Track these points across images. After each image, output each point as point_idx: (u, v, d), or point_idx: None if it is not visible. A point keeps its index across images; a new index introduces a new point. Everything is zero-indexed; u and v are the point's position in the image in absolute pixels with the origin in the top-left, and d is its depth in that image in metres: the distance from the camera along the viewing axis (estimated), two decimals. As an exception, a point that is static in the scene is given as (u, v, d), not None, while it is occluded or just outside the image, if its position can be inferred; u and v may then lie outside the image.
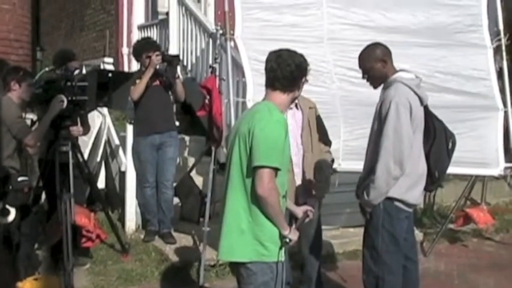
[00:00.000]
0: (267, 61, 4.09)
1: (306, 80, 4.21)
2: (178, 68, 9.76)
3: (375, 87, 4.99)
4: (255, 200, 3.88)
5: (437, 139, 5.01)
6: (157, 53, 7.29)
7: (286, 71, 4.00)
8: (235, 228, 3.96)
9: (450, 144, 5.09)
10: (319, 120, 5.81)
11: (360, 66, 5.01)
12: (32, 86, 6.03)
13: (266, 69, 4.09)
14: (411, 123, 4.67)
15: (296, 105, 5.66)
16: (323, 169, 4.66)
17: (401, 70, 4.91)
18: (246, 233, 3.93)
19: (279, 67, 4.00)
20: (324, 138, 5.81)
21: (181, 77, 9.11)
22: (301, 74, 4.08)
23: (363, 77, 5.02)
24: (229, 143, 4.17)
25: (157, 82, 7.39)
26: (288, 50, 4.10)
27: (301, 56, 4.10)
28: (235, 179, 3.98)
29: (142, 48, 7.45)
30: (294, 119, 5.65)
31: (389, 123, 4.64)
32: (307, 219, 4.40)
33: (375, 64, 4.90)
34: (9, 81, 5.97)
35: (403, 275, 5.00)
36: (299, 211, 4.37)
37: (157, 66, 7.30)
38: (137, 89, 7.21)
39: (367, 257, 4.96)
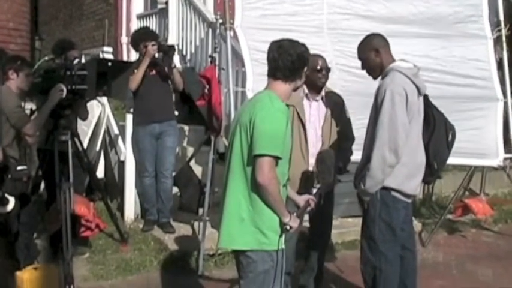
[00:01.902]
0: (269, 51, 4.08)
1: (307, 70, 4.20)
2: (178, 58, 9.81)
3: (374, 77, 4.99)
4: (256, 188, 3.88)
5: (437, 130, 5.01)
6: (153, 42, 7.27)
7: (288, 61, 3.99)
8: (235, 216, 3.97)
9: (450, 136, 5.09)
10: (344, 115, 5.77)
11: (358, 56, 5.03)
12: (30, 75, 6.00)
13: (268, 59, 4.09)
14: (407, 112, 4.66)
15: (322, 98, 5.64)
16: (325, 160, 4.64)
17: (400, 60, 4.90)
18: (246, 221, 3.94)
19: (280, 57, 4.00)
20: (346, 132, 5.78)
21: (179, 66, 9.12)
22: (302, 63, 4.07)
23: (362, 68, 5.03)
24: (230, 132, 4.17)
25: (155, 72, 7.39)
26: (289, 40, 4.09)
27: (303, 45, 4.09)
28: (236, 167, 3.99)
29: (140, 38, 7.44)
30: (318, 111, 5.63)
31: (384, 111, 4.64)
32: (308, 208, 4.41)
33: (368, 54, 4.92)
34: (7, 71, 5.95)
35: (401, 265, 5.01)
36: (300, 200, 4.37)
37: (156, 56, 7.30)
38: (134, 79, 7.21)
39: (364, 247, 4.97)
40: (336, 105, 5.68)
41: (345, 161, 5.68)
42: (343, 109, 5.76)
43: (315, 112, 5.61)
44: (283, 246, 4.01)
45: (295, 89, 4.18)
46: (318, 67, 5.48)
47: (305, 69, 4.12)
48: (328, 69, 5.60)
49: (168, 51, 7.36)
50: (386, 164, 4.64)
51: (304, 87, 5.53)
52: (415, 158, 4.83)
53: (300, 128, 5.46)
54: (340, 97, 5.81)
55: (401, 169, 4.71)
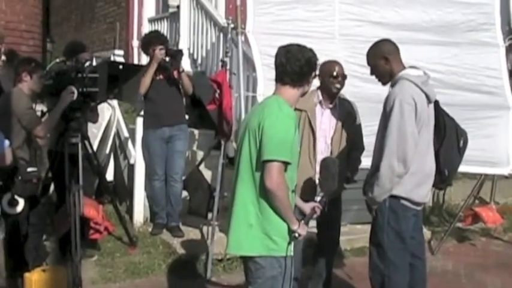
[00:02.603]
0: (277, 56, 4.08)
1: (316, 75, 4.19)
2: (189, 62, 9.82)
3: (383, 83, 4.98)
4: (264, 194, 3.87)
5: (448, 137, 4.99)
6: (161, 47, 7.29)
7: (296, 66, 3.98)
8: (243, 222, 3.96)
9: (461, 143, 5.07)
10: (355, 125, 5.76)
11: (367, 63, 5.02)
12: (43, 77, 6.02)
13: (275, 63, 4.08)
14: (416, 122, 4.64)
15: (336, 106, 5.63)
16: (329, 167, 4.62)
17: (410, 67, 4.88)
18: (255, 227, 3.92)
19: (289, 62, 3.99)
20: (356, 142, 5.77)
21: (189, 70, 9.13)
22: (310, 69, 4.06)
23: (371, 74, 5.01)
24: (239, 138, 4.17)
25: (163, 76, 7.40)
26: (297, 45, 4.09)
27: (311, 50, 4.08)
28: (244, 173, 3.98)
29: (149, 42, 7.46)
30: (329, 119, 5.62)
31: (393, 121, 4.62)
32: (314, 216, 4.40)
33: (378, 61, 4.90)
34: (20, 73, 5.97)
35: (410, 274, 4.99)
36: (306, 207, 4.36)
37: (167, 59, 7.31)
38: (143, 83, 7.22)
39: (373, 254, 4.96)
40: (348, 115, 5.66)
41: (353, 170, 5.67)
42: (356, 119, 5.74)
43: (327, 120, 5.61)
44: (292, 253, 4.00)
45: (303, 94, 4.17)
46: (335, 73, 5.47)
47: (313, 74, 4.10)
48: (344, 76, 5.57)
49: (175, 55, 7.36)
50: (394, 173, 4.63)
51: (319, 93, 5.52)
52: (423, 167, 4.81)
53: (309, 135, 5.46)
54: (353, 106, 5.79)
55: (410, 178, 4.69)
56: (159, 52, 7.26)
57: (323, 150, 5.56)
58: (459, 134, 5.07)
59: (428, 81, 4.83)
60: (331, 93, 5.56)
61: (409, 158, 4.59)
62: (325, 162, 4.69)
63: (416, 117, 4.64)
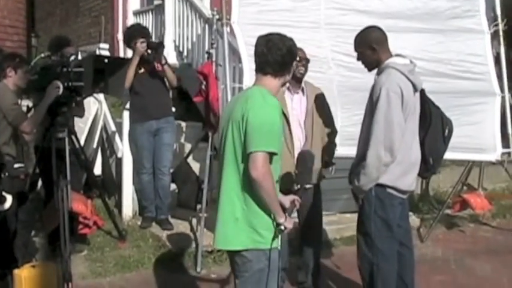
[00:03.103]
0: (257, 45, 4.00)
1: (296, 65, 4.15)
2: (174, 54, 9.79)
3: (369, 69, 4.98)
4: (249, 187, 3.81)
5: (433, 125, 5.00)
6: (142, 40, 7.25)
7: (278, 56, 3.91)
8: (229, 216, 3.90)
9: (447, 131, 5.08)
10: (325, 108, 5.79)
11: (354, 49, 5.01)
12: (28, 72, 5.99)
13: (256, 53, 4.00)
14: (403, 110, 4.64)
15: (302, 90, 5.70)
16: (306, 160, 4.58)
17: (396, 55, 4.88)
18: (241, 220, 3.86)
19: (270, 51, 3.92)
20: (328, 125, 5.81)
21: (175, 62, 9.10)
22: (291, 58, 4.01)
23: (358, 59, 5.01)
24: (221, 130, 4.09)
25: (147, 69, 7.37)
26: (278, 34, 4.01)
27: (291, 40, 4.02)
28: (228, 166, 3.92)
29: (130, 36, 7.44)
30: (299, 104, 5.68)
31: (379, 110, 4.62)
32: (294, 209, 4.35)
33: (365, 50, 4.90)
34: (5, 68, 5.93)
35: (398, 262, 5.00)
36: (286, 201, 4.21)
37: (149, 52, 7.28)
38: (127, 77, 7.19)
39: (361, 243, 4.96)
40: (316, 98, 5.74)
41: (330, 154, 5.76)
42: (324, 102, 5.79)
43: (297, 106, 5.67)
44: (279, 246, 3.94)
45: (283, 84, 4.10)
46: (298, 58, 5.48)
47: (294, 63, 4.06)
48: (307, 60, 5.67)
49: (157, 48, 7.32)
50: (381, 162, 4.63)
51: None
52: (409, 155, 4.82)
53: (284, 123, 5.45)
54: (319, 89, 5.85)
55: (396, 166, 4.70)
56: (141, 45, 7.22)
57: (299, 135, 5.61)
58: (444, 122, 5.08)
59: (415, 70, 4.83)
60: (297, 78, 5.60)
61: (396, 147, 4.59)
62: (301, 155, 4.65)
63: (403, 106, 4.64)
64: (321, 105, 5.74)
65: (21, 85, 6.00)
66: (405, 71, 4.71)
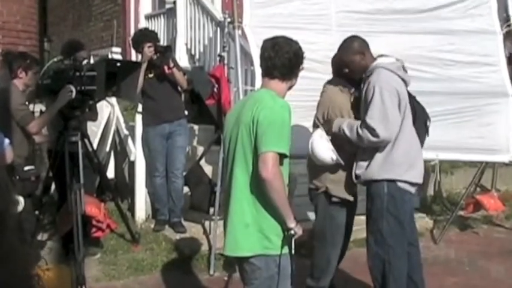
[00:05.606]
0: (263, 49, 3.99)
1: (302, 68, 4.14)
2: (186, 57, 9.81)
3: (357, 79, 5.06)
4: (260, 191, 3.78)
5: (418, 118, 5.13)
6: (149, 44, 7.28)
7: (285, 59, 3.91)
8: (239, 222, 3.87)
9: (428, 123, 5.25)
10: None
11: (340, 59, 5.09)
12: (38, 73, 6.04)
13: (262, 57, 3.99)
14: (401, 106, 4.77)
15: None
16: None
17: (379, 56, 4.96)
18: (251, 226, 3.83)
19: (277, 55, 3.91)
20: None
21: (187, 66, 9.11)
22: (298, 61, 4.00)
23: (343, 72, 5.07)
24: (228, 134, 4.04)
25: (156, 73, 7.39)
26: (284, 37, 4.01)
27: (297, 43, 4.02)
28: (238, 170, 3.89)
29: (138, 40, 7.48)
30: None
31: (374, 107, 4.67)
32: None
33: (354, 57, 5.01)
34: (15, 69, 5.98)
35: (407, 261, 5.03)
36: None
37: (157, 56, 7.30)
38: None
39: (371, 242, 5.00)
40: None
41: None
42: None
43: None
44: (287, 252, 3.91)
45: (290, 88, 4.09)
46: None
47: (300, 67, 4.04)
48: None
49: (164, 51, 7.36)
50: (374, 133, 4.71)
51: None
52: (411, 147, 4.93)
53: None
54: None
55: (400, 160, 4.83)
56: (148, 50, 7.26)
57: None
58: (426, 115, 5.24)
59: (401, 67, 4.94)
60: None
61: (390, 125, 4.67)
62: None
63: (401, 102, 4.78)
64: None
65: (31, 85, 6.07)
66: (394, 69, 4.86)
